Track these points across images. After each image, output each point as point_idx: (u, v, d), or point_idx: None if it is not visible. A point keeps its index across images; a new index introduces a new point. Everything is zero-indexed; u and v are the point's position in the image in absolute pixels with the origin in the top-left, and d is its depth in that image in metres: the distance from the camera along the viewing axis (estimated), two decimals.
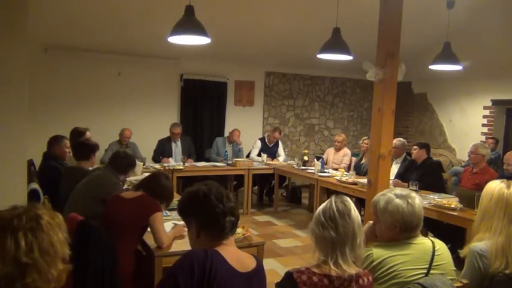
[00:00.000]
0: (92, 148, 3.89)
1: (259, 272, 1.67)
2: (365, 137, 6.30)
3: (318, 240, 1.66)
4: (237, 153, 6.97)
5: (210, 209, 1.62)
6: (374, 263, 1.82)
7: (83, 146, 3.91)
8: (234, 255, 1.62)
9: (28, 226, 1.24)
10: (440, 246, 1.92)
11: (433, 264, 1.84)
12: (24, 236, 1.22)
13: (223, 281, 1.51)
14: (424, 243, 1.90)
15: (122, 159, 3.36)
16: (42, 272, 1.23)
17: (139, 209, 2.67)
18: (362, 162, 6.09)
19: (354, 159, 6.61)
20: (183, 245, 2.69)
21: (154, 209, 2.68)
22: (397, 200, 1.88)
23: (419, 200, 1.93)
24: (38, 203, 2.81)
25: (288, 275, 1.60)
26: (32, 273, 1.21)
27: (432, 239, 1.96)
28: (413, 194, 1.95)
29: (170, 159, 6.35)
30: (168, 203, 2.95)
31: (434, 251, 1.87)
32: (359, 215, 1.69)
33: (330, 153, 6.82)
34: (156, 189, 2.79)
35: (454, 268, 1.94)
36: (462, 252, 2.10)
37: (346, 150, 6.73)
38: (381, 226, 1.92)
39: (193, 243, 1.70)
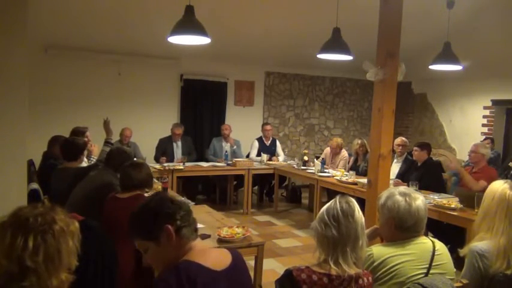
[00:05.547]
0: (79, 148, 3.74)
1: (236, 264, 1.61)
2: (359, 140, 6.16)
3: (319, 238, 1.67)
4: (233, 152, 6.86)
5: (183, 206, 1.61)
6: (375, 263, 1.82)
7: (69, 146, 3.74)
8: (207, 255, 1.57)
9: (40, 229, 1.21)
10: (440, 246, 1.92)
11: (433, 263, 1.85)
12: (34, 237, 1.19)
13: (206, 286, 1.47)
14: (425, 242, 1.90)
15: (116, 156, 3.31)
16: (42, 279, 1.20)
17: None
18: (358, 164, 6.08)
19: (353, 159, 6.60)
20: None
21: None
22: (397, 197, 1.89)
23: (422, 202, 1.89)
24: (39, 203, 2.80)
25: (288, 273, 1.61)
26: (31, 277, 1.18)
27: (432, 239, 1.97)
28: (417, 195, 1.92)
29: (163, 159, 6.31)
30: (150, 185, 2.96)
31: (434, 250, 1.87)
32: (363, 216, 1.69)
33: (327, 156, 6.72)
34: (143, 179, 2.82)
35: (454, 269, 1.94)
36: (462, 252, 2.10)
37: (343, 154, 6.57)
38: (381, 222, 1.95)
39: (162, 256, 1.56)
